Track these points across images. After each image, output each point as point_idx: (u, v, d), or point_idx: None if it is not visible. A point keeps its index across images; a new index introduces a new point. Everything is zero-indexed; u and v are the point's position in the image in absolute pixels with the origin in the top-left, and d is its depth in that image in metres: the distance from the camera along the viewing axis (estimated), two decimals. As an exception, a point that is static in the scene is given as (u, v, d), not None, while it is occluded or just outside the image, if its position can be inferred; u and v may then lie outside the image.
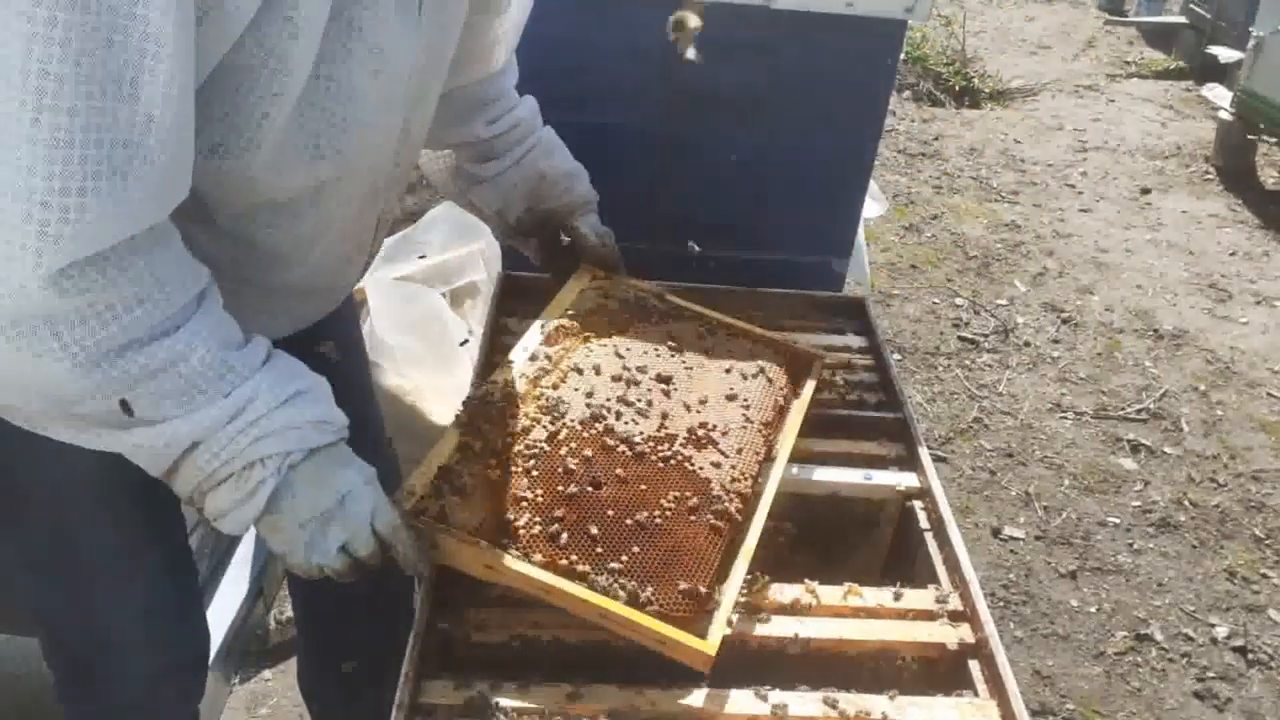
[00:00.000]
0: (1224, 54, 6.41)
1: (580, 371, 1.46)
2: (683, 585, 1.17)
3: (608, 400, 1.40)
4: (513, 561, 1.17)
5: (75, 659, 1.46)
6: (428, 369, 2.60)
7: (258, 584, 2.41)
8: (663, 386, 1.46)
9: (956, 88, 6.84)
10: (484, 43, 1.51)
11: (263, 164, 1.06)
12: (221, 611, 2.29)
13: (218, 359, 1.03)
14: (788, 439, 1.47)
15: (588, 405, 1.38)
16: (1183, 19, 7.64)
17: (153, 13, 0.82)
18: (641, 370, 1.48)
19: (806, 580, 1.32)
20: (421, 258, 2.87)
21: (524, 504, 1.23)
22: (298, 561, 1.14)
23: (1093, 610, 2.83)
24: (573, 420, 1.36)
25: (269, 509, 1.09)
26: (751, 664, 1.24)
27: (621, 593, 1.16)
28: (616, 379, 1.45)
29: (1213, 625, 2.80)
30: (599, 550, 1.19)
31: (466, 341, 2.63)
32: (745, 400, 1.47)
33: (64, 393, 0.96)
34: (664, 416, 1.40)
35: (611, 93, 1.91)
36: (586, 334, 1.56)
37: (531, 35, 1.60)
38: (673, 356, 1.53)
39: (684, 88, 1.90)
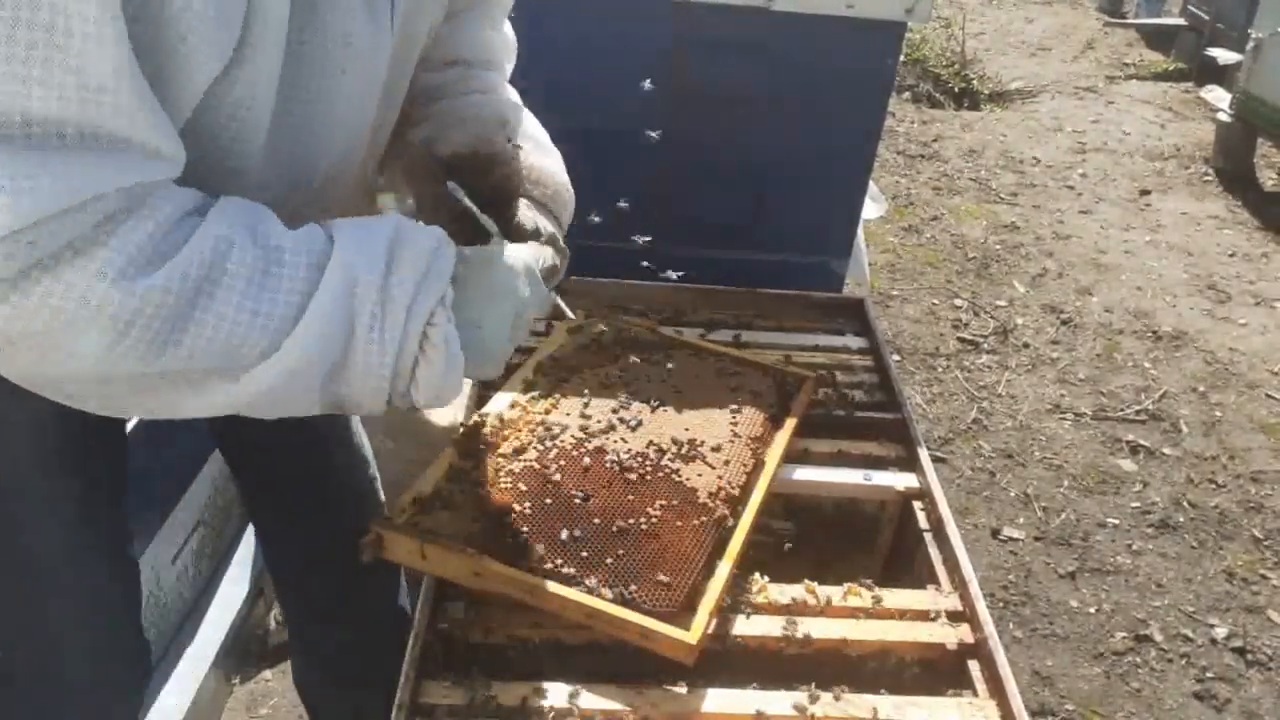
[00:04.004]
0: (1223, 56, 6.41)
1: (572, 398, 1.50)
2: (667, 583, 1.19)
3: (598, 422, 1.44)
4: (499, 567, 1.19)
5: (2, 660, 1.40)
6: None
7: (258, 584, 2.41)
8: (653, 409, 1.49)
9: (956, 89, 6.85)
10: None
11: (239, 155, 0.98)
12: (221, 611, 2.29)
13: (261, 246, 0.88)
14: (776, 452, 1.49)
15: (579, 427, 1.42)
16: (1182, 21, 7.64)
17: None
18: (632, 395, 1.52)
19: (806, 580, 1.33)
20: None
21: (512, 515, 1.26)
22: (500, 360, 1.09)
23: (1092, 611, 2.83)
24: (564, 441, 1.39)
25: (467, 354, 1.01)
26: (752, 664, 1.24)
27: (607, 592, 1.17)
28: (607, 403, 1.49)
29: (1212, 626, 2.80)
30: (584, 554, 1.21)
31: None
32: (734, 418, 1.49)
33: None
34: (653, 435, 1.43)
35: (611, 93, 1.91)
36: (579, 366, 1.61)
37: (531, 36, 1.60)
38: (664, 382, 1.57)
39: (684, 88, 1.90)
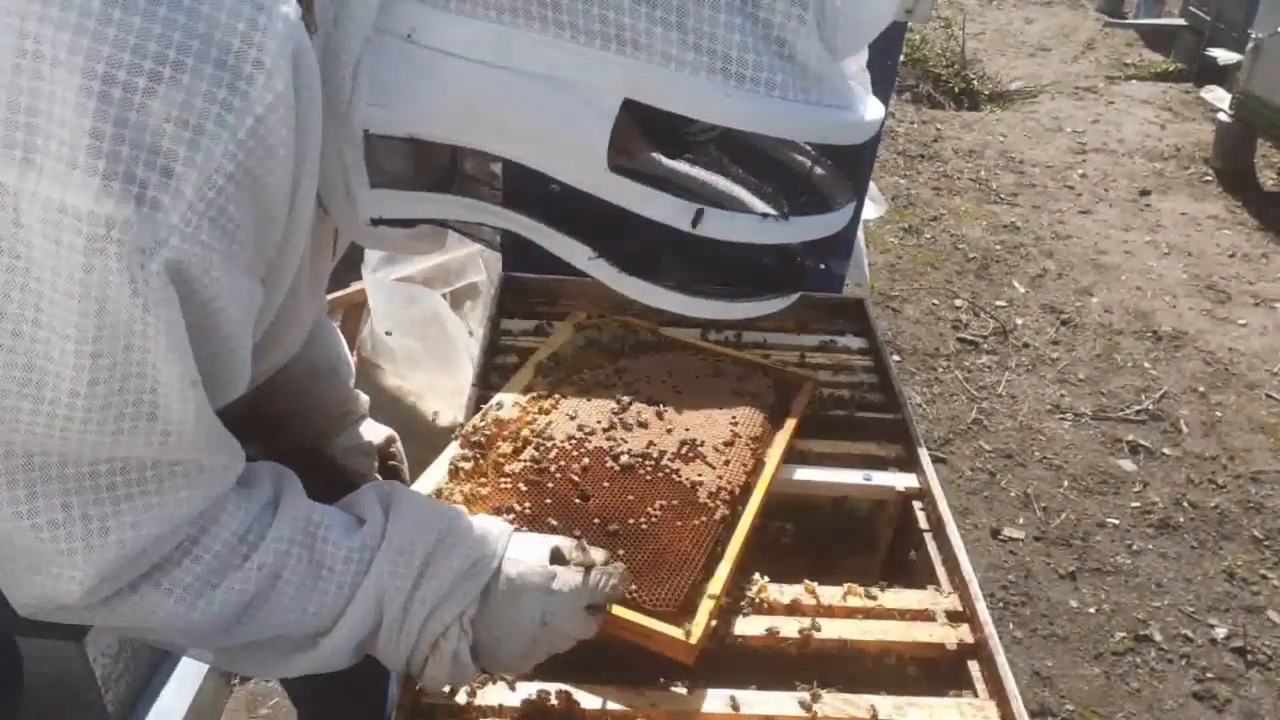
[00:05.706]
0: (1223, 56, 6.42)
1: (572, 398, 1.50)
2: (666, 583, 1.19)
3: (598, 422, 1.44)
4: None
5: None
6: (428, 370, 2.60)
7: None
8: (653, 409, 1.49)
9: (956, 89, 6.85)
10: None
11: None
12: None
13: (312, 564, 1.00)
14: (775, 452, 1.49)
15: (578, 427, 1.42)
16: (1182, 21, 7.65)
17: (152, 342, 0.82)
18: (632, 395, 1.51)
19: (806, 580, 1.33)
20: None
21: (512, 515, 1.25)
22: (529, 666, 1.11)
23: (1092, 611, 2.83)
24: (563, 440, 1.39)
25: (479, 662, 1.07)
26: (752, 664, 1.24)
27: None
28: (607, 404, 1.49)
29: (1212, 626, 2.80)
30: None
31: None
32: (734, 418, 1.49)
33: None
34: (653, 435, 1.42)
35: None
36: (580, 366, 1.61)
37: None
38: (663, 383, 1.57)
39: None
